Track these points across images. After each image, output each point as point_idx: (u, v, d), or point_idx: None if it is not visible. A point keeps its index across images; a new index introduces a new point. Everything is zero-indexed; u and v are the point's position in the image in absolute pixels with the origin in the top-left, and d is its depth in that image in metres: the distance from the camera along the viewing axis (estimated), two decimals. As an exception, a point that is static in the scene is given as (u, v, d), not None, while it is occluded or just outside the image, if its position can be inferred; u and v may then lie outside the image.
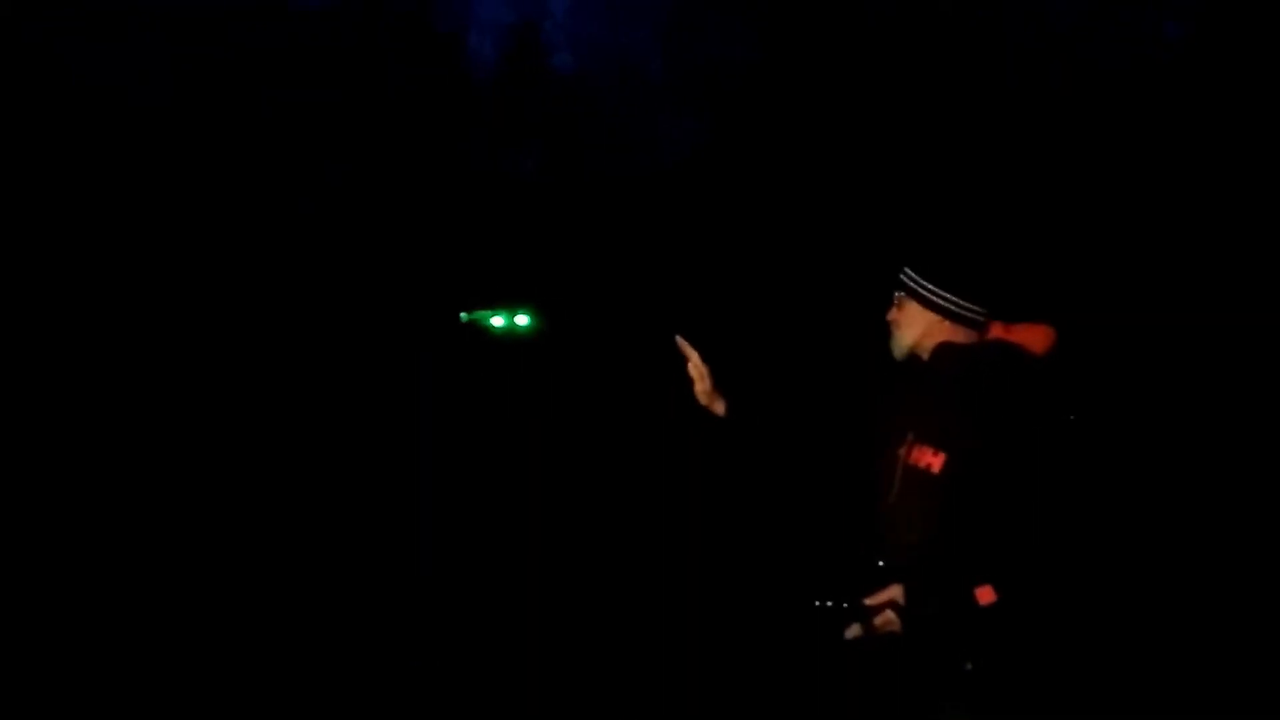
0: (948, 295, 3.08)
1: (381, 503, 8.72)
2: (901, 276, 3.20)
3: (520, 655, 6.23)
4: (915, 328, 3.10)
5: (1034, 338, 3.05)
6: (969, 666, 2.93)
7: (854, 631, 2.96)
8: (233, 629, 6.21)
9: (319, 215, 9.80)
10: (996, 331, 3.08)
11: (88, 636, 6.13)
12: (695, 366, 3.33)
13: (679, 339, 3.35)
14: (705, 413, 3.40)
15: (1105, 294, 7.69)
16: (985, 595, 2.89)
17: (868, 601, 2.93)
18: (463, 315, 10.26)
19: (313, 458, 9.13)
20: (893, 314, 3.18)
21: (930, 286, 3.11)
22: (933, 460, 2.98)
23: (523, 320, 10.25)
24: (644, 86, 9.07)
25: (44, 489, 8.12)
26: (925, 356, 3.10)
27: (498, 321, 10.32)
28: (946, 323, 3.08)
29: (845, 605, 3.00)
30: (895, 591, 2.92)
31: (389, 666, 5.92)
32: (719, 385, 3.36)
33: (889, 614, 2.93)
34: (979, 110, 8.21)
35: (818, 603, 2.98)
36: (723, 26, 9.03)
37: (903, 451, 3.04)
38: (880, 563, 3.02)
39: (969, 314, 3.09)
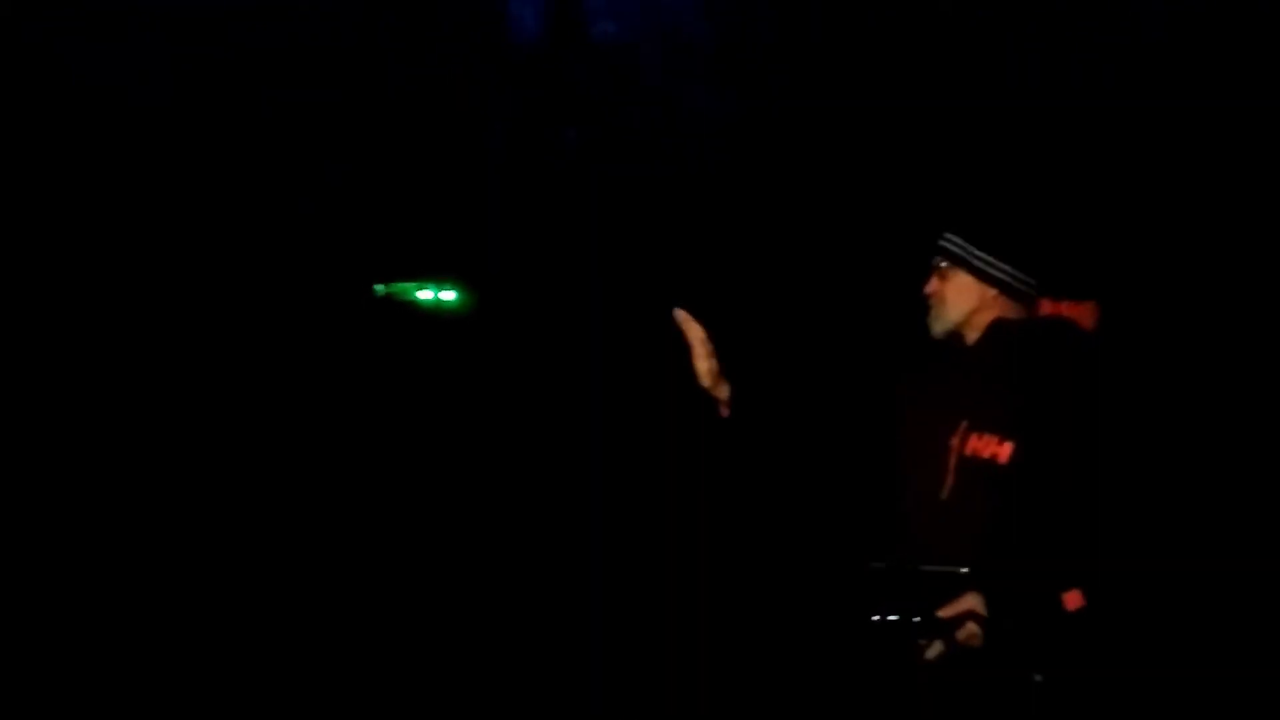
0: (1005, 266, 2.88)
1: (385, 503, 8.71)
2: (945, 244, 2.97)
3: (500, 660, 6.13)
4: (965, 302, 2.88)
5: (1084, 313, 2.85)
6: (1038, 679, 2.70)
7: (936, 650, 2.68)
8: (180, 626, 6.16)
9: (319, 215, 9.76)
10: (1047, 307, 2.89)
11: (84, 636, 6.10)
12: (700, 344, 3.06)
13: (680, 313, 3.04)
14: (710, 399, 3.10)
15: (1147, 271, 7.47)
16: (1073, 600, 2.68)
17: (942, 614, 2.63)
18: (378, 288, 10.03)
19: (312, 457, 9.11)
20: (934, 286, 2.96)
21: (985, 256, 2.90)
22: (998, 449, 2.76)
23: (448, 295, 9.95)
24: (688, 57, 8.94)
25: (43, 488, 8.11)
26: (973, 334, 2.90)
27: (425, 295, 10.01)
28: (1002, 297, 2.88)
29: (916, 619, 2.64)
30: (973, 600, 2.64)
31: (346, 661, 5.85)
32: (725, 366, 3.05)
33: (971, 626, 2.64)
34: (1018, 84, 8.03)
35: (877, 617, 2.66)
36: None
37: (956, 441, 2.83)
38: (964, 569, 2.66)
39: (1025, 287, 2.91)
